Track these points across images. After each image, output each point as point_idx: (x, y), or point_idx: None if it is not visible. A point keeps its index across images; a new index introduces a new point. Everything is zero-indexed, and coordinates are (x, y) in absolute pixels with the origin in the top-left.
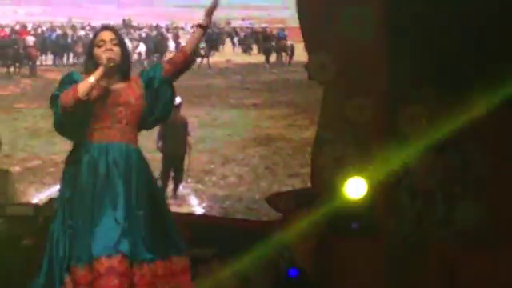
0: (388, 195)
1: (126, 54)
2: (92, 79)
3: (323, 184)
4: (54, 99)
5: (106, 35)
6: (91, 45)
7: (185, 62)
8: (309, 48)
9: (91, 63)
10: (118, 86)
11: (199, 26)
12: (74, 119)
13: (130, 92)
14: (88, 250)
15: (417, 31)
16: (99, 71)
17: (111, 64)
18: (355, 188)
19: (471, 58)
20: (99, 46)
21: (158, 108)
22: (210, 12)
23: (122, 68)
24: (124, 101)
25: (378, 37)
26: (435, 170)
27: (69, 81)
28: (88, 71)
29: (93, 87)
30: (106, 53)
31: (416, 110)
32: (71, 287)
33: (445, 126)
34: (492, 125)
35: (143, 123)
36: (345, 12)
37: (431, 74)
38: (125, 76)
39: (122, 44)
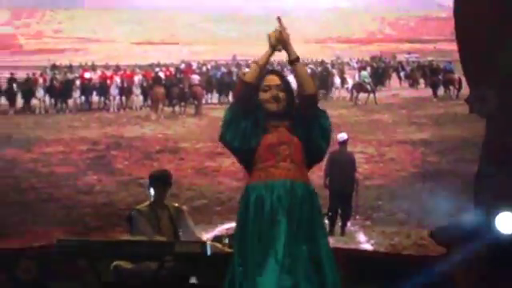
0: None
1: (291, 98)
2: (258, 62)
3: (485, 218)
4: (227, 110)
5: (272, 80)
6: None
7: (304, 100)
8: (470, 82)
9: (256, 107)
10: (282, 125)
11: (292, 61)
12: (238, 123)
13: (292, 131)
14: None
15: None
16: (266, 53)
17: (279, 46)
18: (506, 223)
19: None
20: (264, 91)
21: (311, 143)
22: (286, 44)
23: (287, 111)
24: (287, 139)
25: None
26: None
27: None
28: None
29: (259, 71)
30: (274, 35)
31: None
32: None
33: None
34: None
35: (308, 160)
36: (507, 45)
37: None
38: (289, 118)
39: (287, 88)
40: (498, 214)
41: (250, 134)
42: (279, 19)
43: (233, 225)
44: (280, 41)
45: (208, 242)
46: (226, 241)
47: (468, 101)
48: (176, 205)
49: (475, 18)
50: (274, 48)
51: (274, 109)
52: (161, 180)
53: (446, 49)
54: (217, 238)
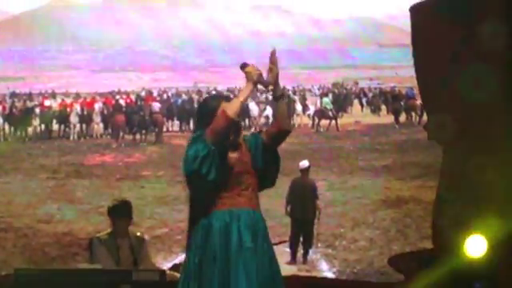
0: (509, 254)
1: (240, 129)
2: (240, 98)
3: (444, 244)
4: (192, 140)
5: None
6: (212, 115)
7: (279, 134)
8: (428, 108)
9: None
10: (237, 155)
11: (277, 98)
12: (213, 159)
13: (249, 160)
14: None
15: None
16: (248, 89)
17: (261, 81)
18: (475, 246)
19: None
20: None
21: (269, 173)
22: (275, 80)
23: (236, 142)
24: (249, 168)
25: (499, 95)
26: None
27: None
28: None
29: (240, 107)
30: (255, 71)
31: None
32: None
33: None
34: None
35: (259, 189)
36: (464, 72)
37: None
38: (237, 147)
39: (239, 119)
40: (458, 239)
41: (219, 166)
42: (274, 53)
43: None
44: (270, 76)
45: (166, 271)
46: None
47: (426, 127)
48: (138, 234)
49: (432, 44)
50: (255, 84)
51: (231, 138)
52: (116, 212)
53: (407, 75)
54: (175, 267)
